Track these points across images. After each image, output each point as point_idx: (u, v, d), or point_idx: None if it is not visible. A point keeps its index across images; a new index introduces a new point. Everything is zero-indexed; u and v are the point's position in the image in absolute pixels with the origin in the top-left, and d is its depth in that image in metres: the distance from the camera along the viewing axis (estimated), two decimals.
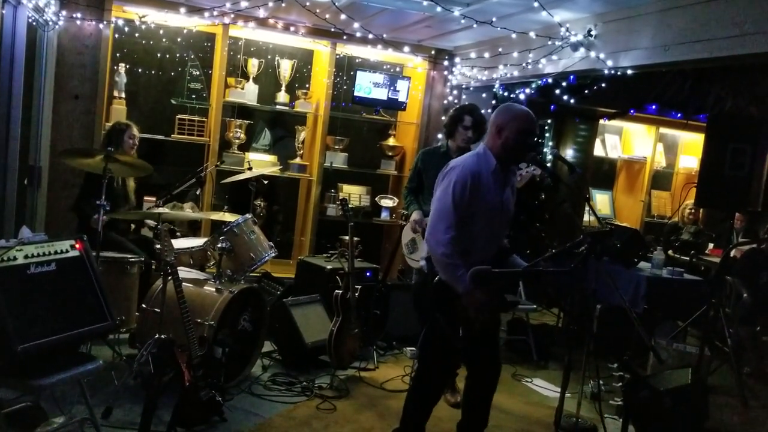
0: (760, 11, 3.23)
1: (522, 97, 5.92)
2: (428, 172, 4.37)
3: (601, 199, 8.03)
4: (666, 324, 4.94)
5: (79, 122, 5.25)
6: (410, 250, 4.64)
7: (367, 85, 6.04)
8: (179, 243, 4.51)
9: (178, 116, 5.70)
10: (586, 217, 6.57)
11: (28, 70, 4.38)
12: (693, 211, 6.66)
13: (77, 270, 3.04)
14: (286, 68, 6.08)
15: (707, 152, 4.52)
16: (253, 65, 5.98)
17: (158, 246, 3.79)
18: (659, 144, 8.02)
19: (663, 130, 7.97)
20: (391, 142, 6.49)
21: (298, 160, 6.15)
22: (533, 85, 5.65)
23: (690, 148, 8.27)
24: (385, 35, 5.50)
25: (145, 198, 5.30)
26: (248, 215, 4.49)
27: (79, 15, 5.10)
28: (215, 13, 5.23)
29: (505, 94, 6.18)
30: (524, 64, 5.03)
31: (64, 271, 2.97)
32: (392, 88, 6.12)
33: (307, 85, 6.26)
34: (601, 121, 7.64)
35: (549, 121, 7.72)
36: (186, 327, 3.39)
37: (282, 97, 6.09)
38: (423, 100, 6.32)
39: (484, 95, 6.16)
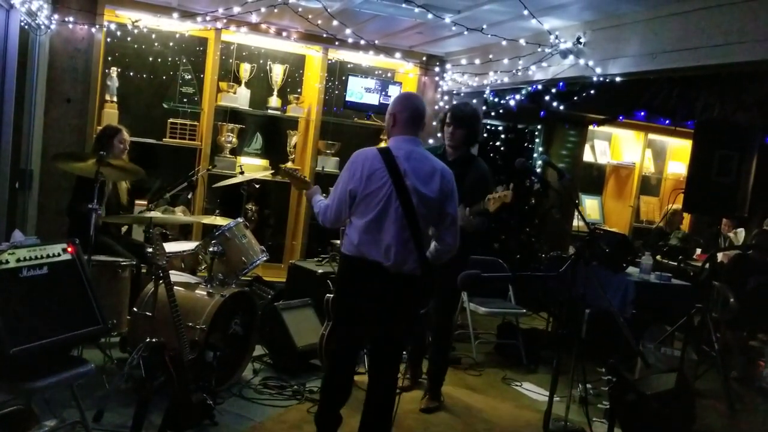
0: (746, 21, 3.29)
1: (512, 103, 5.97)
2: None
3: (590, 205, 8.09)
4: (654, 328, 4.99)
5: (70, 126, 5.24)
6: None
7: (359, 90, 6.07)
8: (171, 246, 4.50)
9: (170, 120, 5.70)
10: (575, 223, 6.60)
11: (20, 73, 4.38)
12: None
13: (69, 273, 3.04)
14: (278, 73, 6.10)
15: (695, 158, 4.58)
16: (245, 70, 6.00)
17: (150, 249, 3.78)
18: (648, 150, 8.09)
19: (651, 136, 8.04)
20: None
21: (289, 164, 6.16)
22: (523, 92, 5.69)
23: (678, 154, 8.34)
24: (377, 41, 5.55)
25: (137, 202, 5.29)
26: (240, 219, 4.49)
27: (71, 19, 5.11)
28: (208, 18, 5.24)
29: (496, 100, 6.23)
30: (514, 71, 5.08)
31: (56, 274, 2.96)
32: (384, 93, 6.14)
33: (299, 90, 6.28)
34: (591, 127, 7.70)
35: (539, 126, 7.78)
36: (177, 331, 3.39)
37: (274, 101, 6.11)
38: None
39: (474, 101, 6.18)
